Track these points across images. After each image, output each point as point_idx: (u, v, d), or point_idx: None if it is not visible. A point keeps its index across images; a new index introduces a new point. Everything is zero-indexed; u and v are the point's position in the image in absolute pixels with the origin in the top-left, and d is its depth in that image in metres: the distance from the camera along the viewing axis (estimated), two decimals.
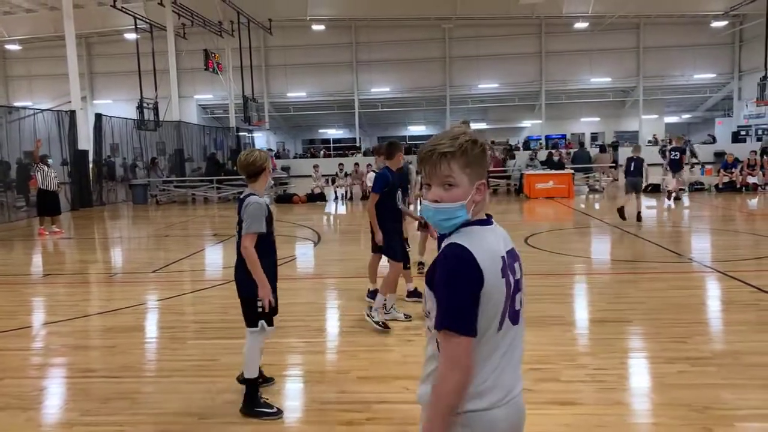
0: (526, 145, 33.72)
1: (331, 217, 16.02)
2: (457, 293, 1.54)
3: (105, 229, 15.07)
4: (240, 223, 3.69)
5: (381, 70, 36.25)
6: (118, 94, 34.19)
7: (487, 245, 1.61)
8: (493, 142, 28.79)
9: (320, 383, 4.21)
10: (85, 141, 19.41)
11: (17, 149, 17.67)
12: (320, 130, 44.05)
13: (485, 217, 1.69)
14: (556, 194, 17.72)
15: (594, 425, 3.52)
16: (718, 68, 35.41)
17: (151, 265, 9.08)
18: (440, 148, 1.60)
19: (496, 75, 36.02)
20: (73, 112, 18.53)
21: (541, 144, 34.57)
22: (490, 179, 17.88)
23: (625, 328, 5.34)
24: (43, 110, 18.89)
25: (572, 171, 19.06)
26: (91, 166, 19.69)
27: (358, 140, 38.78)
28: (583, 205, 16.22)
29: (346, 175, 20.41)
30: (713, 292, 6.76)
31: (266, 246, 3.72)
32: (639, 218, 11.81)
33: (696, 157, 23.54)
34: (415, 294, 6.21)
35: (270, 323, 3.75)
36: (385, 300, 5.44)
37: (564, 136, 37.53)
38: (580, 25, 32.82)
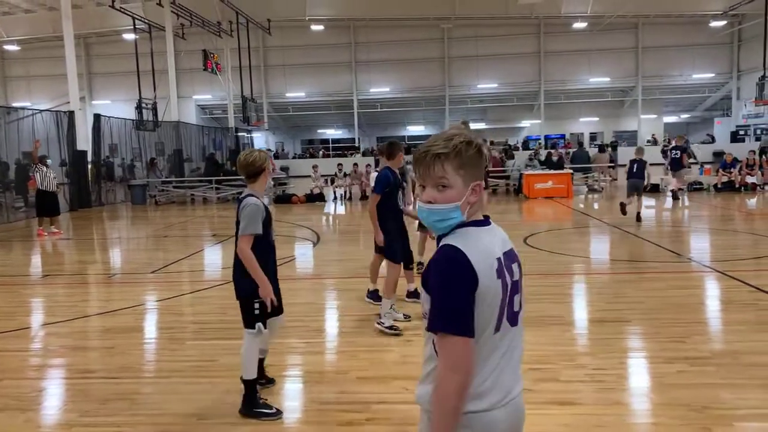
0: (525, 145, 33.74)
1: (330, 218, 16.02)
2: (452, 295, 1.54)
3: (104, 230, 15.06)
4: (238, 224, 3.69)
5: (380, 70, 36.25)
6: (116, 95, 34.17)
7: (482, 246, 1.60)
8: (492, 142, 28.78)
9: (319, 383, 4.21)
10: (84, 141, 19.40)
11: (16, 150, 17.67)
12: (319, 131, 44.05)
13: (482, 218, 1.69)
14: (555, 194, 17.72)
15: (593, 425, 3.52)
16: (716, 68, 35.45)
17: (150, 265, 9.07)
18: (434, 149, 1.60)
19: (495, 75, 36.04)
20: (71, 113, 18.51)
21: (540, 144, 34.59)
22: (489, 179, 17.89)
23: (624, 327, 5.34)
24: (41, 111, 18.87)
25: (571, 171, 19.07)
26: (89, 166, 19.67)
27: (357, 140, 38.78)
28: (582, 205, 16.23)
29: (345, 175, 20.41)
30: (712, 291, 6.76)
31: (264, 247, 3.72)
32: (638, 218, 11.83)
33: (694, 158, 23.58)
34: (414, 294, 6.21)
35: (266, 325, 3.75)
36: (388, 310, 5.40)
37: (563, 136, 37.55)
38: (579, 25, 32.85)
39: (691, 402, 3.71)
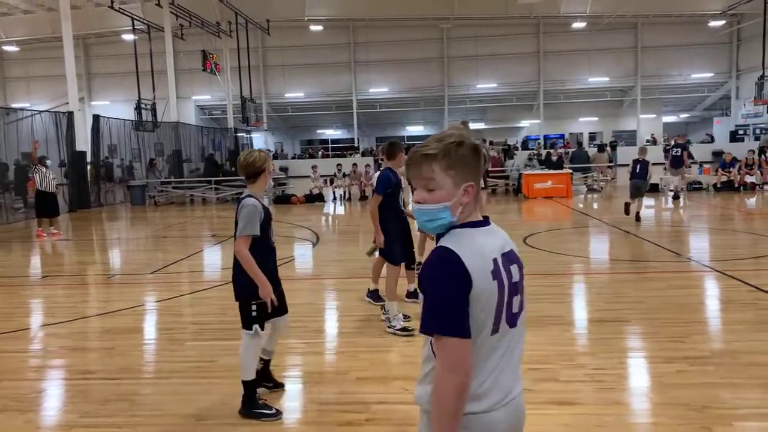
0: (525, 145, 33.74)
1: (330, 218, 16.02)
2: (446, 296, 1.53)
3: (103, 231, 15.06)
4: (237, 224, 3.68)
5: (379, 70, 36.24)
6: (115, 95, 34.14)
7: (477, 247, 1.59)
8: (491, 142, 28.78)
9: (319, 384, 4.21)
10: (83, 142, 19.39)
11: (15, 151, 17.66)
12: (318, 131, 44.04)
13: (480, 219, 1.68)
14: (555, 194, 17.73)
15: (593, 425, 3.52)
16: (715, 67, 35.45)
17: (150, 266, 9.07)
18: (424, 150, 1.62)
19: (494, 75, 36.03)
20: (70, 114, 18.50)
21: (539, 143, 34.60)
22: (488, 179, 17.88)
23: (623, 327, 5.34)
24: (40, 111, 18.85)
25: (570, 171, 19.08)
26: (88, 167, 19.66)
27: (356, 140, 38.78)
28: (581, 205, 16.24)
29: (344, 175, 20.41)
30: (711, 291, 6.76)
31: (264, 248, 3.70)
32: (638, 219, 11.83)
33: (692, 158, 23.60)
34: (414, 295, 6.21)
35: (263, 327, 3.74)
36: (396, 312, 5.38)
37: (562, 136, 37.56)
38: (578, 25, 32.84)
39: (690, 401, 3.71)
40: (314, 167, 20.93)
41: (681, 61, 34.76)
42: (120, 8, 23.29)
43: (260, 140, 38.67)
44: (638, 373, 4.39)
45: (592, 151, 24.83)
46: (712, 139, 34.58)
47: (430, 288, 1.56)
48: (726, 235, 10.72)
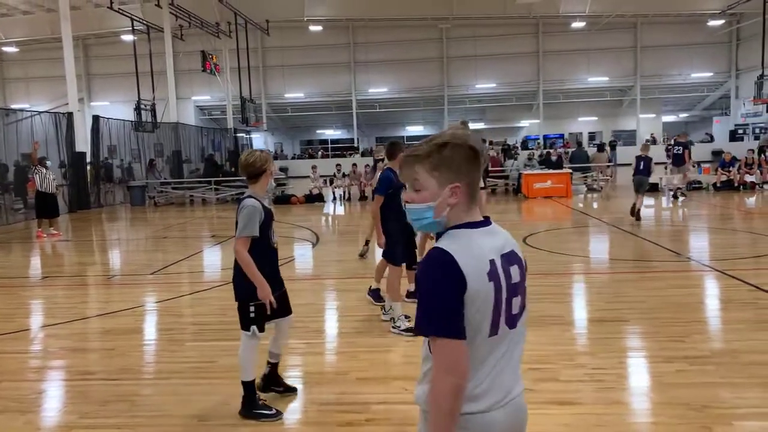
0: (524, 145, 33.75)
1: (330, 218, 16.02)
2: (440, 297, 1.53)
3: (103, 231, 15.06)
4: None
5: (378, 70, 36.23)
6: (115, 96, 34.14)
7: (473, 248, 1.59)
8: (491, 142, 28.78)
9: (319, 384, 4.21)
10: (83, 143, 19.38)
11: (14, 151, 17.65)
12: (318, 131, 44.04)
13: (480, 219, 1.67)
14: (554, 194, 17.73)
15: (593, 425, 3.52)
16: (715, 67, 35.46)
17: (150, 266, 9.07)
18: (414, 151, 1.66)
19: (493, 75, 36.03)
20: (70, 114, 18.50)
21: (539, 143, 34.61)
22: (488, 179, 17.88)
23: (623, 327, 5.34)
24: (40, 112, 18.84)
25: (570, 170, 19.08)
26: (88, 168, 19.66)
27: (356, 141, 38.78)
28: (581, 205, 16.24)
29: (344, 175, 20.41)
30: (711, 290, 6.77)
31: (264, 249, 3.69)
32: (638, 217, 11.85)
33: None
34: (414, 295, 6.21)
35: (261, 329, 3.71)
36: (401, 313, 5.38)
37: (562, 136, 37.56)
38: (577, 24, 32.85)
39: (690, 401, 3.71)
40: (314, 167, 20.94)
41: (680, 60, 34.76)
42: (119, 9, 23.29)
43: (260, 140, 38.65)
44: (638, 373, 4.39)
45: (591, 150, 24.82)
46: (711, 139, 34.60)
47: (424, 289, 1.57)
48: (726, 235, 10.73)
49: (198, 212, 18.40)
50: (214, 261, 9.85)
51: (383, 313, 5.69)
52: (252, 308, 3.65)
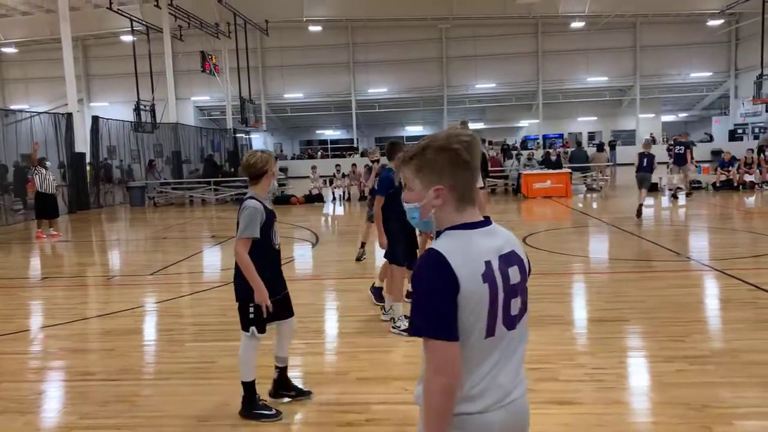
0: (524, 145, 33.76)
1: (329, 218, 16.02)
2: (432, 299, 1.54)
3: (102, 232, 15.05)
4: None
5: (378, 70, 36.24)
6: (114, 97, 34.12)
7: (468, 249, 1.58)
8: (490, 142, 28.79)
9: (319, 384, 4.20)
10: (82, 143, 19.38)
11: (14, 152, 17.65)
12: (318, 131, 44.03)
13: (479, 219, 1.66)
14: (554, 194, 17.74)
15: (593, 424, 3.52)
16: (714, 67, 35.47)
17: (149, 267, 9.06)
18: (404, 152, 1.72)
19: (493, 75, 36.04)
20: (69, 115, 18.49)
21: (538, 143, 34.62)
22: (488, 179, 17.87)
23: (623, 327, 5.34)
24: (39, 113, 18.83)
25: (569, 170, 19.09)
26: (88, 168, 19.65)
27: (355, 141, 38.78)
28: (580, 204, 16.25)
29: (343, 176, 20.41)
30: (711, 290, 6.77)
31: (265, 250, 3.66)
32: (639, 213, 11.96)
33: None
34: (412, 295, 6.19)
35: (261, 330, 3.69)
36: (402, 313, 5.37)
37: (561, 136, 37.58)
38: (577, 24, 32.87)
39: (690, 401, 3.71)
40: (313, 168, 20.94)
41: (680, 60, 34.78)
42: (118, 9, 23.28)
43: (259, 141, 38.64)
44: (638, 373, 4.39)
45: (591, 150, 24.82)
46: (711, 138, 34.61)
47: (417, 290, 1.57)
48: (725, 234, 10.73)
49: (197, 213, 18.40)
50: (213, 261, 9.85)
51: (383, 313, 5.69)
52: (251, 309, 3.64)
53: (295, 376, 4.44)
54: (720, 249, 9.25)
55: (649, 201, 15.69)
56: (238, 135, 32.12)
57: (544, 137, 36.61)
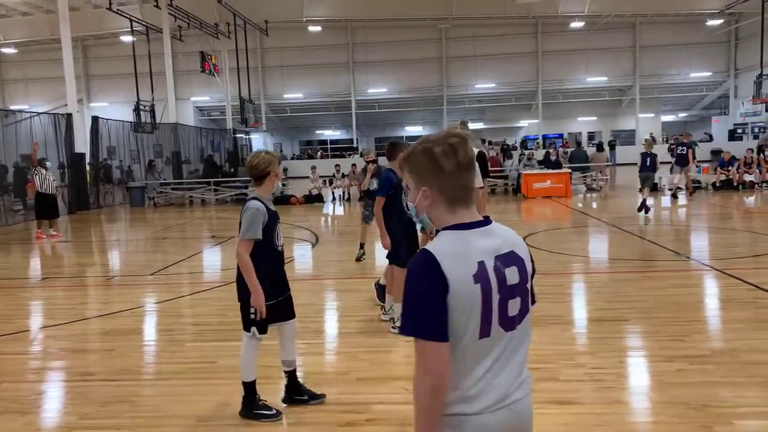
0: (524, 145, 33.77)
1: (329, 218, 16.02)
2: (421, 299, 1.54)
3: (102, 232, 15.05)
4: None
5: (378, 70, 36.24)
6: (114, 97, 34.11)
7: (460, 249, 1.58)
8: (490, 142, 28.79)
9: (319, 385, 4.20)
10: (82, 144, 19.38)
11: (14, 153, 17.65)
12: (317, 131, 44.02)
13: (478, 219, 1.66)
14: (554, 193, 17.74)
15: (593, 424, 3.52)
16: (714, 66, 35.48)
17: (149, 267, 9.06)
18: (403, 154, 1.77)
19: (492, 75, 36.04)
20: (69, 115, 18.49)
21: (538, 143, 34.62)
22: (488, 179, 17.87)
23: (623, 326, 5.34)
24: (39, 113, 18.83)
25: (569, 170, 19.09)
26: (87, 169, 19.65)
27: (355, 141, 38.77)
28: (580, 204, 16.25)
29: (343, 176, 20.41)
30: (711, 290, 6.77)
31: (267, 251, 3.65)
32: (644, 209, 12.07)
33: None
34: None
35: (262, 331, 3.68)
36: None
37: (561, 136, 37.58)
38: (576, 24, 32.87)
39: (690, 400, 3.71)
40: (313, 168, 20.93)
41: (679, 60, 34.79)
42: (118, 10, 23.27)
43: (259, 141, 38.65)
44: (638, 372, 4.40)
45: (590, 150, 24.82)
46: (710, 138, 34.61)
47: (407, 289, 1.58)
48: (725, 234, 10.73)
49: (197, 213, 18.39)
50: (213, 262, 9.85)
51: (383, 313, 5.69)
52: (252, 310, 3.63)
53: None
54: (720, 249, 9.25)
55: (649, 201, 15.71)
56: (237, 135, 32.13)
57: (544, 137, 36.61)
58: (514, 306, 1.63)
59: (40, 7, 30.71)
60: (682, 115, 40.40)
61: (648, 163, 12.49)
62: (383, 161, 6.18)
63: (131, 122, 22.70)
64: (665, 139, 34.41)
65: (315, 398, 3.91)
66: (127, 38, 26.00)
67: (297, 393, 3.91)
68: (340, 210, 17.62)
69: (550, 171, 18.98)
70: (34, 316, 6.87)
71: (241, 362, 3.74)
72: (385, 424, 3.59)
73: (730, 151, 19.75)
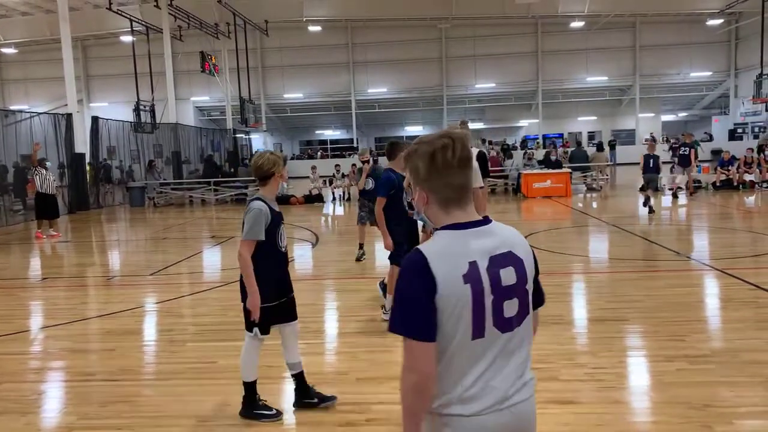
0: (524, 145, 33.76)
1: (329, 218, 16.01)
2: (409, 298, 1.55)
3: (102, 232, 15.05)
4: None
5: (378, 70, 36.23)
6: (114, 97, 34.09)
7: (451, 250, 1.58)
8: (490, 142, 28.78)
9: (319, 384, 4.20)
10: (82, 144, 19.38)
11: (14, 153, 17.64)
12: (317, 131, 44.00)
13: (476, 219, 1.65)
14: (554, 193, 17.74)
15: (593, 424, 3.52)
16: (714, 66, 35.46)
17: (149, 267, 9.06)
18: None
19: (492, 75, 36.02)
20: (69, 115, 18.49)
21: (538, 143, 34.61)
22: (488, 179, 17.87)
23: (623, 326, 5.34)
24: (39, 113, 18.82)
25: (569, 170, 19.09)
26: (87, 169, 19.65)
27: (355, 141, 38.76)
28: (580, 204, 16.25)
29: (343, 176, 20.41)
30: (711, 290, 6.77)
31: (270, 252, 3.63)
32: (651, 209, 12.15)
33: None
34: None
35: (264, 332, 3.66)
36: None
37: (561, 135, 37.57)
38: (576, 24, 32.85)
39: (691, 400, 3.71)
40: (313, 168, 20.93)
41: (679, 59, 34.77)
42: (118, 10, 23.27)
43: (259, 141, 38.65)
44: (638, 372, 4.40)
45: (590, 150, 24.83)
46: (710, 138, 34.60)
47: (397, 288, 1.59)
48: (725, 234, 10.73)
49: (197, 213, 18.39)
50: (213, 262, 9.85)
51: (383, 313, 5.69)
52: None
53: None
54: (720, 248, 9.25)
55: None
56: (237, 135, 32.13)
57: (544, 137, 36.60)
58: (510, 307, 1.62)
59: (40, 7, 30.70)
60: (683, 114, 40.39)
61: (651, 165, 12.61)
62: (383, 161, 6.17)
63: (131, 122, 22.69)
64: (665, 138, 34.40)
65: (325, 400, 3.85)
66: (127, 38, 26.00)
67: (306, 396, 3.86)
68: (340, 210, 17.62)
69: (551, 171, 18.98)
70: (35, 316, 6.87)
71: (242, 362, 3.73)
72: (385, 424, 3.59)
73: (730, 151, 19.76)
